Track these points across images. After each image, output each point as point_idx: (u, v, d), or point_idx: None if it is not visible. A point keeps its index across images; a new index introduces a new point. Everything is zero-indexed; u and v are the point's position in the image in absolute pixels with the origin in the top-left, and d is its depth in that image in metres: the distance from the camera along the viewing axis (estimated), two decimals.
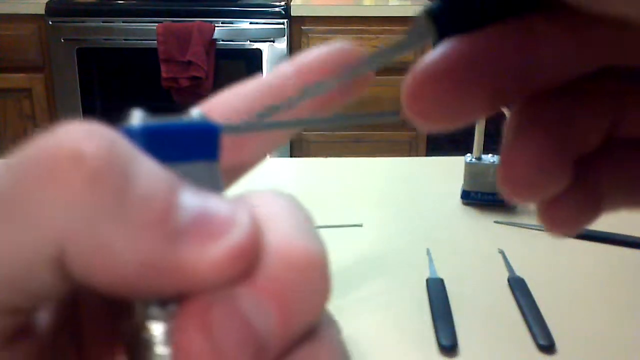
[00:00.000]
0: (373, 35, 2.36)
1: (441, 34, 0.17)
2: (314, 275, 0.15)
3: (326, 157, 1.15)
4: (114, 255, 0.13)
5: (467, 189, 0.93)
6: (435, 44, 0.17)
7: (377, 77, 0.23)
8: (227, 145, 0.18)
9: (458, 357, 0.62)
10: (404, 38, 0.17)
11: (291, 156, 2.41)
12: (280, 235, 0.15)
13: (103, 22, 2.37)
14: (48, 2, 2.35)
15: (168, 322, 0.14)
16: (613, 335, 0.66)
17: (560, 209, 0.19)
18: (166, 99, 2.39)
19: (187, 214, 0.14)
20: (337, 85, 0.20)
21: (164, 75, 2.35)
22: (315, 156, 2.12)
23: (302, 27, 2.40)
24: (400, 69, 0.23)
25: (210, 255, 0.14)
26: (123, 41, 2.38)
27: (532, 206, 0.92)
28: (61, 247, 0.13)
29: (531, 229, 0.87)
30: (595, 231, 0.84)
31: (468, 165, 0.92)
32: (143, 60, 2.41)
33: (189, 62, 2.33)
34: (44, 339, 0.16)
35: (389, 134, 2.47)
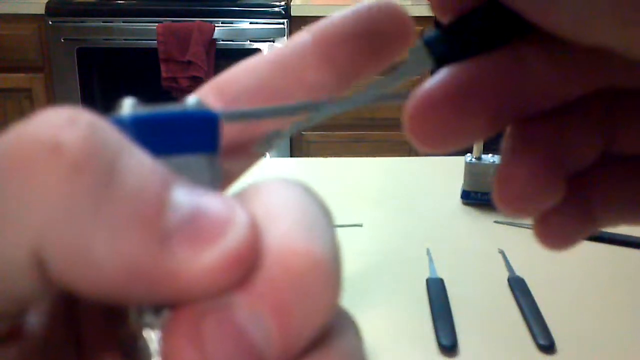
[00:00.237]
0: None
1: (438, 62, 0.18)
2: (317, 281, 0.13)
3: (326, 157, 1.15)
4: (96, 259, 0.12)
5: (467, 189, 0.93)
6: (432, 71, 0.18)
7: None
8: (226, 137, 0.17)
9: (458, 357, 0.62)
10: (402, 66, 0.18)
11: (291, 156, 2.41)
12: (281, 235, 0.13)
13: (103, 22, 2.37)
14: (48, 2, 2.35)
15: (162, 330, 0.13)
16: (613, 335, 0.66)
17: (554, 223, 0.19)
18: (166, 99, 2.39)
19: (179, 214, 0.13)
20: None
21: (164, 75, 2.35)
22: (315, 156, 2.12)
23: (302, 27, 2.40)
24: None
25: (203, 261, 0.12)
26: (123, 41, 2.38)
27: None
28: (38, 249, 0.12)
29: (531, 229, 0.87)
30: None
31: (468, 165, 0.92)
32: (143, 60, 2.41)
33: (189, 62, 2.33)
34: (35, 341, 0.15)
35: (389, 134, 2.47)
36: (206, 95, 0.19)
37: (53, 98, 2.45)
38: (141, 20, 2.36)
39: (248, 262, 0.13)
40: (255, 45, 2.38)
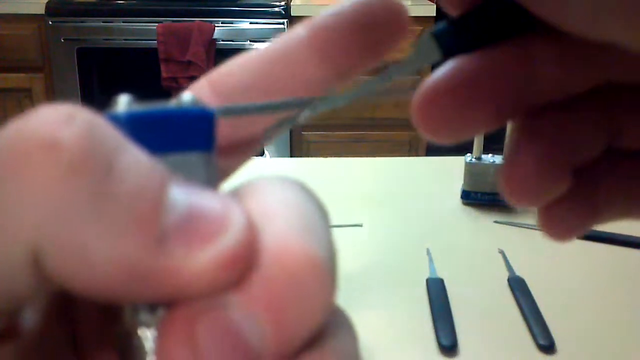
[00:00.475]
0: None
1: (446, 54, 0.18)
2: (313, 281, 0.13)
3: (326, 157, 1.15)
4: (92, 258, 0.12)
5: (467, 189, 0.93)
6: (440, 63, 0.18)
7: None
8: (221, 134, 0.17)
9: (458, 357, 0.62)
10: (409, 58, 0.18)
11: (291, 156, 2.41)
12: (278, 235, 0.13)
13: (103, 22, 2.37)
14: (48, 2, 2.35)
15: (157, 329, 0.13)
16: (613, 335, 0.66)
17: (558, 214, 0.19)
18: (166, 99, 2.38)
19: (176, 213, 0.13)
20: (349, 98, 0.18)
21: (164, 75, 2.35)
22: (315, 156, 2.12)
23: None
24: None
25: (199, 261, 0.12)
26: (123, 41, 2.38)
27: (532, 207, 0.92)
28: (35, 247, 0.12)
29: (531, 229, 0.87)
30: (595, 231, 0.84)
31: (468, 165, 0.92)
32: (143, 60, 2.40)
33: (189, 62, 2.33)
34: (32, 338, 0.15)
35: (389, 134, 2.47)
36: (201, 91, 0.19)
37: (53, 98, 2.45)
38: (141, 20, 2.36)
39: (244, 262, 0.13)
40: (255, 45, 2.38)
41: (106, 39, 2.38)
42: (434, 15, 2.28)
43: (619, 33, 0.15)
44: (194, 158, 0.14)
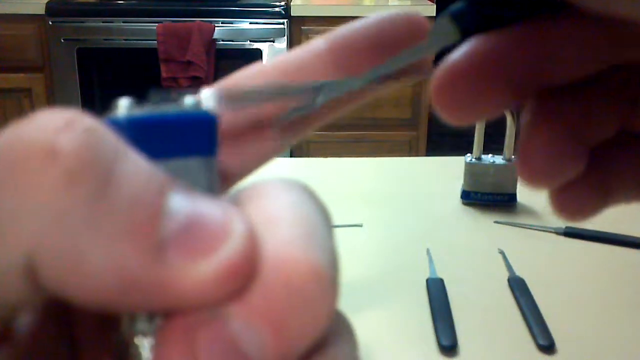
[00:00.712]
0: None
1: (464, 35, 0.18)
2: (315, 291, 0.13)
3: (326, 157, 1.15)
4: (87, 267, 0.11)
5: (467, 189, 0.93)
6: (458, 44, 0.18)
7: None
8: (227, 142, 0.16)
9: (458, 357, 0.62)
10: (427, 39, 0.18)
11: (291, 156, 2.41)
12: (280, 243, 0.13)
13: (103, 22, 2.37)
14: (48, 2, 2.35)
15: (154, 338, 0.13)
16: (613, 335, 0.66)
17: (571, 195, 0.19)
18: (164, 94, 2.38)
19: (175, 222, 0.12)
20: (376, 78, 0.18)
21: (164, 75, 2.35)
22: (315, 156, 2.12)
23: (302, 27, 2.40)
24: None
25: (198, 272, 0.12)
26: (123, 41, 2.38)
27: (532, 206, 0.92)
28: (30, 255, 0.12)
29: (531, 229, 0.87)
30: (595, 231, 0.84)
31: (468, 165, 0.92)
32: (143, 60, 2.40)
33: (189, 62, 2.33)
34: (27, 343, 0.15)
35: (389, 134, 2.47)
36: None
37: (53, 98, 2.45)
38: (141, 20, 2.36)
39: (244, 274, 0.12)
40: (255, 45, 2.38)
41: (106, 39, 2.38)
42: (434, 15, 2.28)
43: (632, 10, 0.15)
44: (195, 163, 0.14)
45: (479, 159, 0.92)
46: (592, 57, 0.18)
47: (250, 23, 2.37)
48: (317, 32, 2.39)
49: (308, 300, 0.12)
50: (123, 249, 0.12)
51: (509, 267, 0.77)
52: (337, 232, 0.84)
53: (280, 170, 1.08)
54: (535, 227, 0.87)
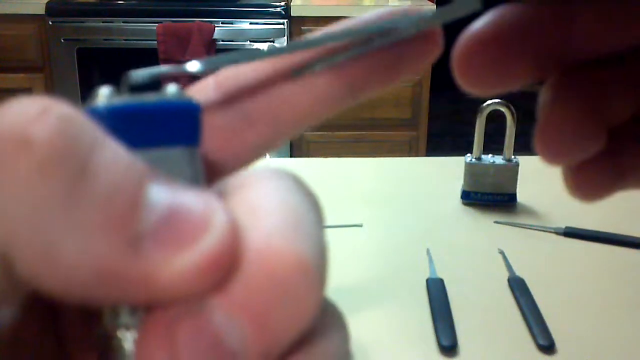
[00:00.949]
0: None
1: (486, 3, 0.18)
2: (299, 283, 0.12)
3: (326, 157, 1.15)
4: (64, 259, 0.11)
5: (467, 189, 0.93)
6: (481, 12, 0.18)
7: None
8: (218, 135, 0.16)
9: (458, 357, 0.62)
10: (451, 6, 0.17)
11: (291, 156, 2.41)
12: (263, 234, 0.13)
13: (103, 22, 2.37)
14: (48, 2, 2.35)
15: (137, 331, 0.13)
16: (613, 335, 0.66)
17: (585, 174, 0.19)
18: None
19: (155, 213, 0.12)
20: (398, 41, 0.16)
21: None
22: (315, 156, 2.12)
23: (302, 27, 2.40)
24: None
25: (177, 265, 0.12)
26: (123, 41, 2.38)
27: (532, 206, 0.92)
28: (4, 248, 0.11)
29: (531, 229, 0.87)
30: (595, 231, 0.84)
31: (468, 165, 0.92)
32: (143, 60, 2.40)
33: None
34: (7, 337, 0.14)
35: (389, 134, 2.47)
36: (206, 87, 0.18)
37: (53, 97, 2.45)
38: (141, 20, 2.36)
39: (225, 267, 0.12)
40: (255, 45, 2.38)
41: (106, 39, 2.38)
42: None
43: None
44: (178, 153, 0.14)
45: (479, 159, 0.92)
46: (613, 35, 0.18)
47: (250, 23, 2.37)
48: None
49: (292, 292, 0.12)
50: (99, 241, 0.11)
51: (509, 267, 0.77)
52: (337, 232, 0.84)
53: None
54: (535, 227, 0.87)
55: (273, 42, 2.38)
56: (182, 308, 0.12)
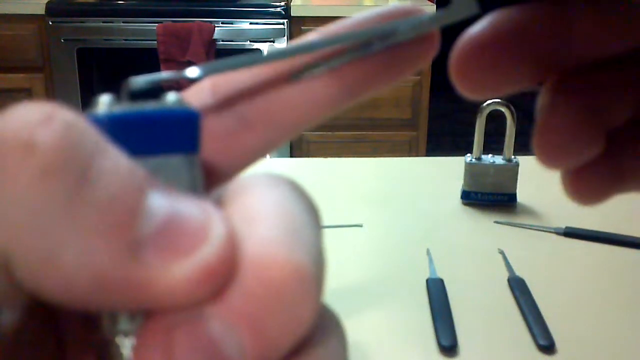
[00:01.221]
0: None
1: (483, 8, 0.17)
2: (295, 291, 0.12)
3: (326, 157, 1.15)
4: (63, 264, 0.11)
5: (467, 189, 0.93)
6: (478, 17, 0.18)
7: None
8: (215, 140, 0.16)
9: (458, 357, 0.62)
10: (447, 10, 0.17)
11: (291, 156, 2.41)
12: (260, 242, 0.13)
13: (103, 22, 2.37)
14: (48, 2, 2.35)
15: (134, 337, 0.13)
16: (613, 335, 0.66)
17: (584, 177, 0.19)
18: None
19: (153, 221, 0.12)
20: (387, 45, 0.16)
21: None
22: (315, 156, 2.12)
23: (302, 27, 2.40)
24: None
25: (174, 274, 0.12)
26: (123, 41, 2.38)
27: (532, 206, 0.92)
28: (5, 250, 0.11)
29: (531, 229, 0.87)
30: (595, 231, 0.84)
31: (468, 165, 0.92)
32: (143, 60, 2.40)
33: (189, 62, 2.33)
34: (8, 340, 0.14)
35: (389, 134, 2.47)
36: (201, 91, 0.17)
37: (53, 98, 2.45)
38: (141, 20, 2.36)
39: (222, 276, 0.12)
40: (255, 45, 2.38)
41: (106, 39, 2.38)
42: None
43: None
44: (178, 161, 0.14)
45: (479, 159, 0.92)
46: (611, 38, 0.18)
47: (250, 23, 2.37)
48: None
49: (288, 299, 0.12)
50: (98, 247, 0.11)
51: (509, 267, 0.77)
52: (337, 232, 0.84)
53: (280, 170, 1.08)
54: (535, 227, 0.87)
55: (273, 42, 2.38)
56: (180, 315, 0.12)
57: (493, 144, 1.07)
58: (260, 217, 0.13)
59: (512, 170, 0.91)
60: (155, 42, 2.33)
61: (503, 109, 0.88)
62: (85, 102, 2.44)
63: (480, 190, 0.92)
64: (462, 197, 0.94)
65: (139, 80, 0.15)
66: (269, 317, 0.12)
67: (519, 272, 0.75)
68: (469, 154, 0.93)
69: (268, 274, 0.12)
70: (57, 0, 2.37)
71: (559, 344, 0.63)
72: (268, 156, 1.45)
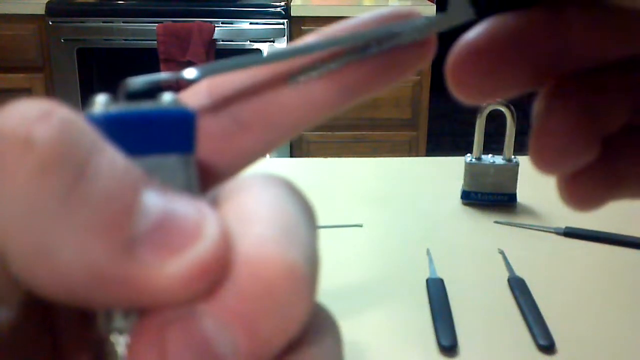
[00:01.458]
0: None
1: (479, 14, 0.18)
2: (288, 289, 0.12)
3: (326, 157, 1.15)
4: (58, 260, 0.11)
5: (467, 189, 0.93)
6: (474, 22, 0.18)
7: None
8: (212, 140, 0.16)
9: (458, 357, 0.62)
10: (443, 16, 0.17)
11: (291, 156, 2.41)
12: (254, 241, 0.13)
13: (103, 22, 2.37)
14: (48, 2, 2.35)
15: (129, 335, 0.13)
16: (613, 335, 0.66)
17: (580, 184, 0.19)
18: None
19: (148, 219, 0.12)
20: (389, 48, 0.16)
21: None
22: (315, 156, 2.12)
23: (302, 27, 2.40)
24: None
25: (169, 271, 0.12)
26: (123, 41, 2.38)
27: (532, 206, 0.92)
28: (1, 246, 0.11)
29: (531, 229, 0.87)
30: (595, 231, 0.84)
31: (468, 165, 0.92)
32: (143, 60, 2.40)
33: (189, 62, 2.33)
34: (6, 339, 0.14)
35: (389, 134, 2.47)
36: (198, 92, 0.17)
37: (53, 98, 2.45)
38: (141, 20, 2.36)
39: (215, 274, 0.12)
40: (256, 45, 2.38)
41: (106, 39, 2.38)
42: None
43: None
44: (173, 160, 0.14)
45: (479, 159, 0.92)
46: (608, 45, 0.18)
47: (250, 23, 2.37)
48: None
49: (281, 298, 0.12)
50: (93, 244, 0.12)
51: (509, 267, 0.77)
52: (337, 232, 0.84)
53: (279, 170, 1.08)
54: (535, 227, 0.87)
55: (273, 42, 2.38)
56: (174, 313, 0.12)
57: (493, 144, 1.07)
58: (255, 217, 0.13)
59: (512, 170, 0.91)
60: (155, 42, 2.33)
61: (503, 109, 0.88)
62: (85, 102, 2.42)
63: (480, 190, 0.92)
64: (462, 197, 0.94)
65: (137, 81, 0.15)
66: (262, 316, 0.12)
67: (519, 272, 0.75)
68: (469, 154, 0.93)
69: (262, 272, 0.12)
70: (57, 0, 2.37)
71: (559, 344, 0.63)
72: (268, 156, 1.46)
